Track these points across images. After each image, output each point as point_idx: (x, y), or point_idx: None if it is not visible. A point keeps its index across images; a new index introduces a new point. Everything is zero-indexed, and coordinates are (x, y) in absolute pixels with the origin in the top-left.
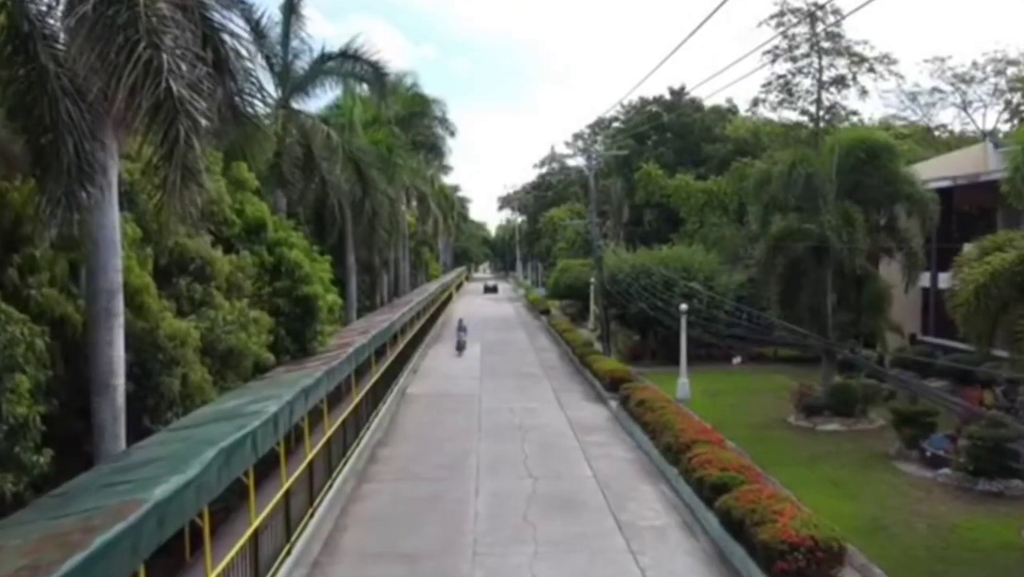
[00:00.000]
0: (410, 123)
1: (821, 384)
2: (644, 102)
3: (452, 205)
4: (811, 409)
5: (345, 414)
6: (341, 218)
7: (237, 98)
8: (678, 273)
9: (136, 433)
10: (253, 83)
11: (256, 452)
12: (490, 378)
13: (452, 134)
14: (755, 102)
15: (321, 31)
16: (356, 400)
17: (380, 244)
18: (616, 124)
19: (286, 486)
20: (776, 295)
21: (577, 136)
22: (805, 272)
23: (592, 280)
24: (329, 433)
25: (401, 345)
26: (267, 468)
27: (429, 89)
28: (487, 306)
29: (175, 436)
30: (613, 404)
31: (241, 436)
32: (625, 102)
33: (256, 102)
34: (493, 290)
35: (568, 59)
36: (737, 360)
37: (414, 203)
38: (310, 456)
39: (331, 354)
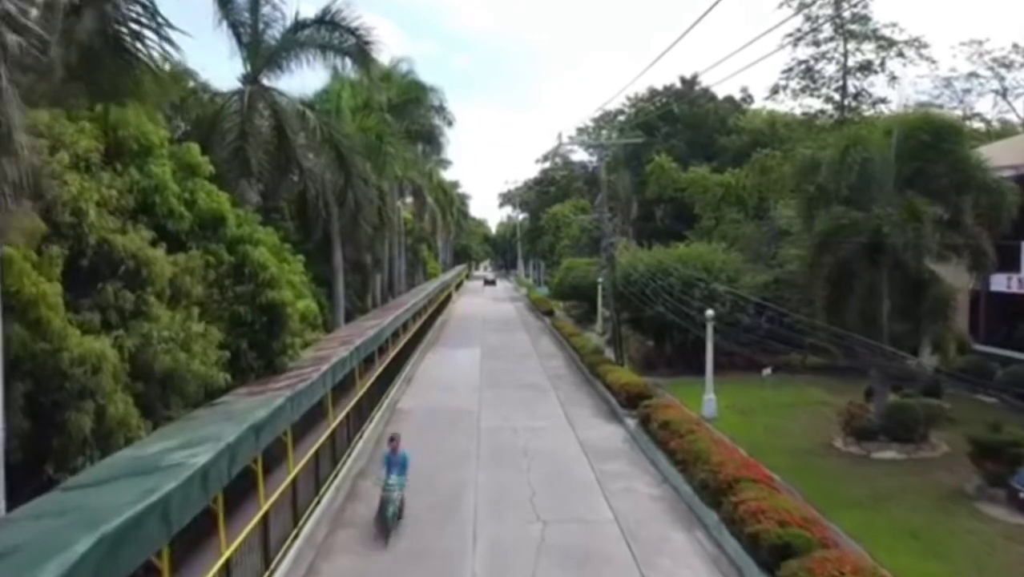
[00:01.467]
0: (404, 111)
1: (873, 403)
2: (654, 92)
3: (451, 201)
4: (863, 433)
5: (318, 444)
6: (325, 212)
7: (120, 27)
8: (698, 273)
9: (37, 485)
10: (147, 8)
11: (169, 526)
12: (491, 389)
13: (450, 124)
14: (775, 89)
15: None
16: (333, 425)
17: (369, 241)
18: (621, 117)
19: (225, 557)
20: (822, 300)
21: (581, 130)
22: (856, 274)
23: (600, 280)
24: (294, 473)
25: (393, 353)
26: (196, 537)
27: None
28: (488, 306)
29: (58, 504)
30: (630, 423)
31: (142, 509)
32: (632, 94)
33: (150, 36)
34: (492, 283)
35: (570, 55)
36: (768, 372)
37: (409, 199)
38: (264, 508)
39: (304, 371)
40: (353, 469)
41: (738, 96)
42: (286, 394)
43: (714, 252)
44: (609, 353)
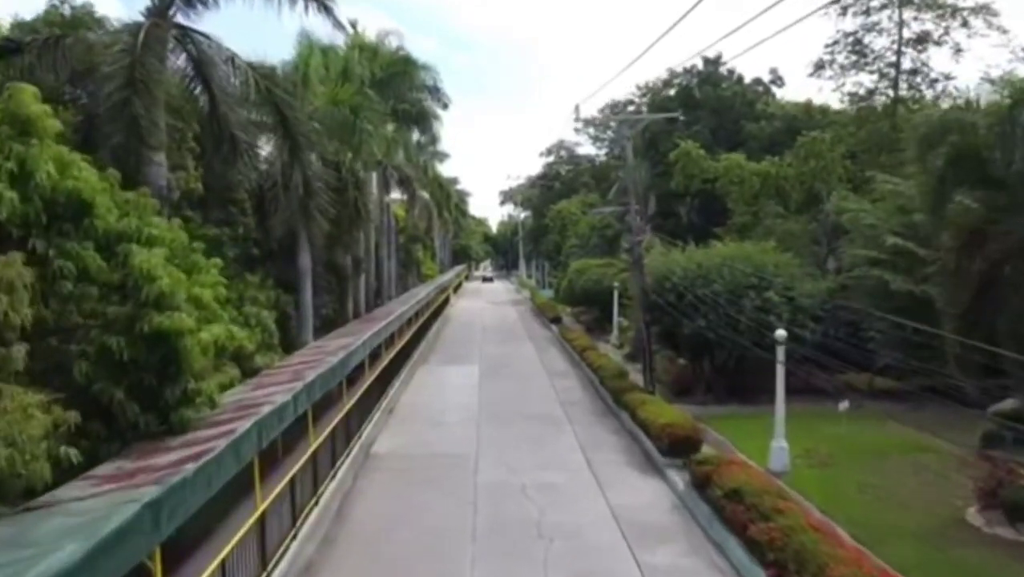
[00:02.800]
0: (390, 87)
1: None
2: (673, 75)
3: (448, 196)
4: (1016, 508)
5: (228, 548)
6: (286, 201)
7: None
8: (747, 279)
9: None
10: None
11: None
12: (491, 422)
13: (445, 106)
14: (819, 64)
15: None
16: (262, 508)
17: (348, 239)
18: (631, 108)
19: None
20: (958, 311)
21: (588, 122)
22: (1010, 280)
23: (617, 285)
24: None
25: (370, 379)
26: None
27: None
28: (488, 311)
29: None
30: (675, 478)
31: None
32: (643, 83)
33: None
34: (489, 280)
35: (569, 54)
36: (845, 405)
37: (397, 194)
38: None
39: (216, 431)
40: (293, 567)
41: (767, 78)
42: (152, 494)
43: (765, 252)
44: (634, 372)
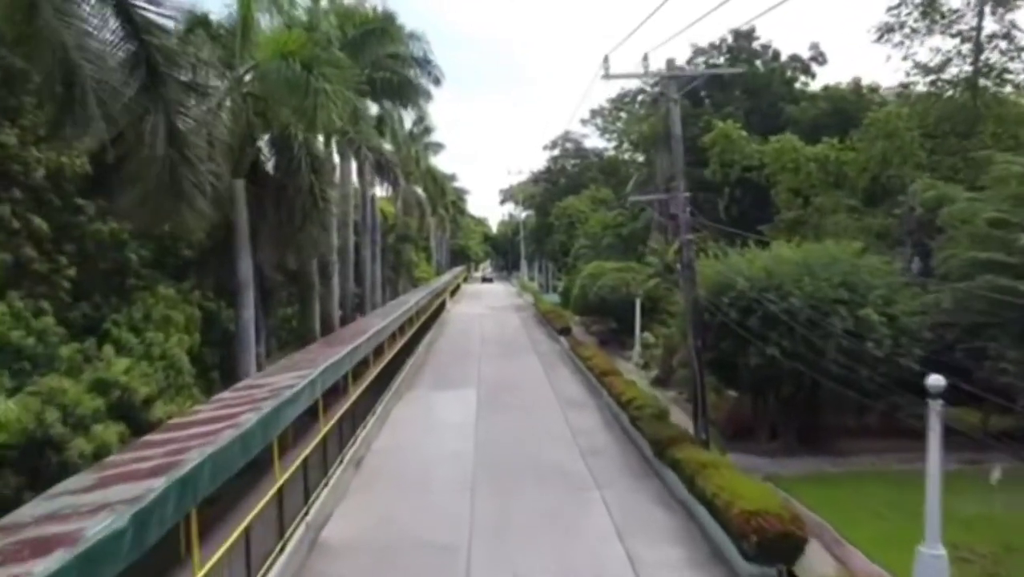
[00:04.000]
0: (364, 49)
1: None
2: (698, 51)
3: (443, 192)
4: None
5: None
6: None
7: None
8: (835, 290)
9: None
10: None
11: None
12: (491, 484)
13: (437, 82)
14: (888, 28)
15: None
16: None
17: (309, 237)
18: (642, 97)
19: None
20: None
21: (596, 112)
22: None
23: (639, 293)
24: None
25: (326, 427)
26: None
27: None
28: (488, 318)
29: None
30: None
31: None
32: (653, 69)
33: None
34: (489, 280)
35: (569, 50)
36: (997, 474)
37: (382, 191)
38: None
39: None
40: None
41: (807, 55)
42: None
43: (855, 253)
44: (670, 403)
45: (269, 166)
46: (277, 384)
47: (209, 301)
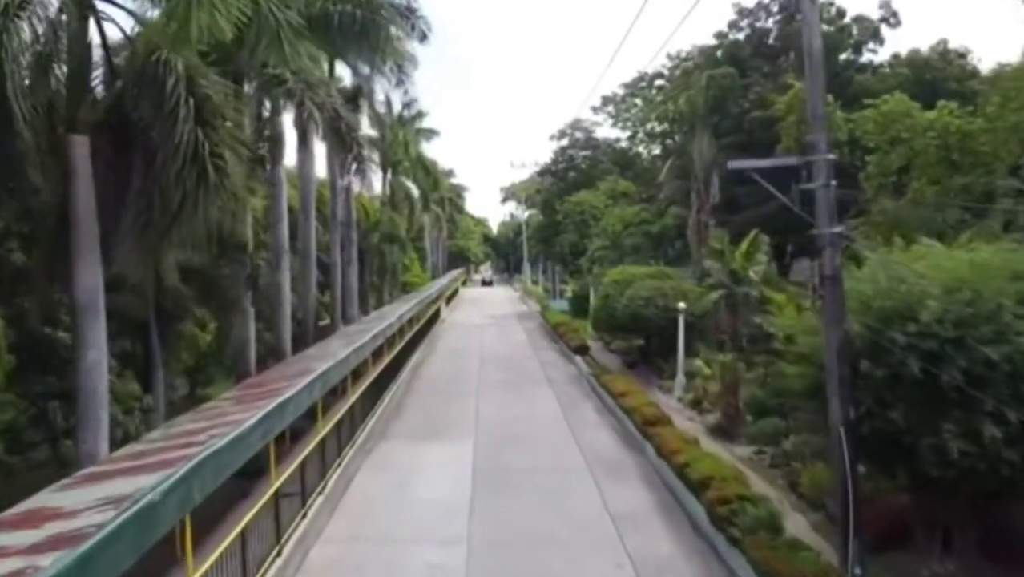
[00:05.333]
0: None
1: None
2: (742, 12)
3: (436, 184)
4: None
5: None
6: None
7: None
8: None
9: None
10: None
11: None
12: None
13: (424, 37)
14: None
15: None
16: None
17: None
18: (660, 81)
19: None
20: None
21: (608, 99)
22: None
23: (682, 308)
24: None
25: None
26: None
27: (422, 83)
28: (488, 331)
29: None
30: None
31: None
32: (675, 52)
33: None
34: (489, 283)
35: (569, 47)
36: None
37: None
38: None
39: None
40: None
41: (876, 15)
42: None
43: None
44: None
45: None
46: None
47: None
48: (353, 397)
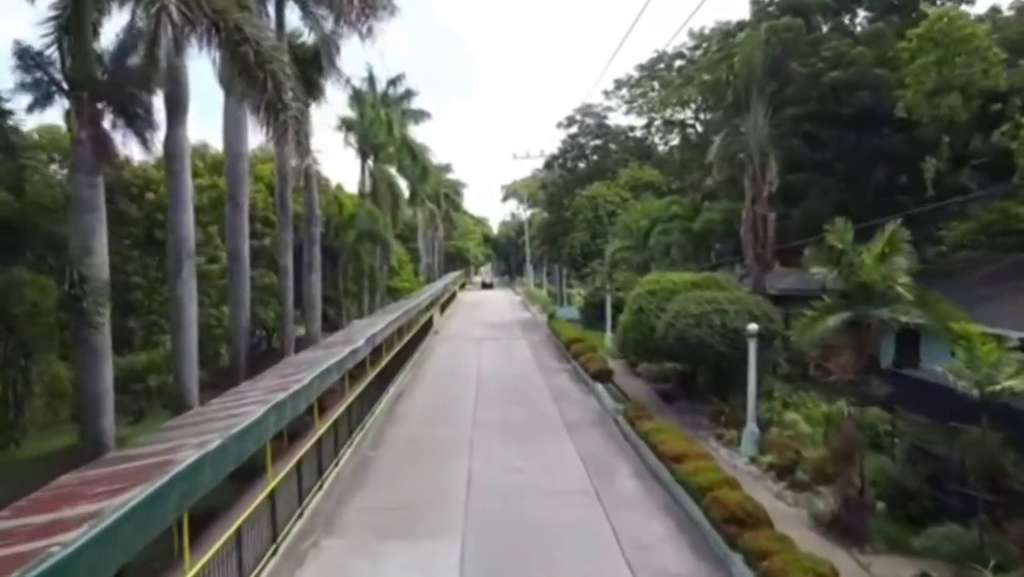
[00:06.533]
0: None
1: None
2: None
3: (426, 172)
4: None
5: None
6: None
7: None
8: None
9: None
10: None
11: None
12: None
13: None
14: None
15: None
16: None
17: None
18: (680, 62)
19: None
20: None
21: (621, 83)
22: None
23: (754, 329)
24: None
25: None
26: None
27: (417, 84)
28: (487, 347)
29: None
30: None
31: None
32: (698, 29)
33: None
34: (489, 286)
35: (568, 44)
36: None
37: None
38: None
39: None
40: None
41: None
42: None
43: None
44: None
45: None
46: None
47: None
48: (299, 454)
